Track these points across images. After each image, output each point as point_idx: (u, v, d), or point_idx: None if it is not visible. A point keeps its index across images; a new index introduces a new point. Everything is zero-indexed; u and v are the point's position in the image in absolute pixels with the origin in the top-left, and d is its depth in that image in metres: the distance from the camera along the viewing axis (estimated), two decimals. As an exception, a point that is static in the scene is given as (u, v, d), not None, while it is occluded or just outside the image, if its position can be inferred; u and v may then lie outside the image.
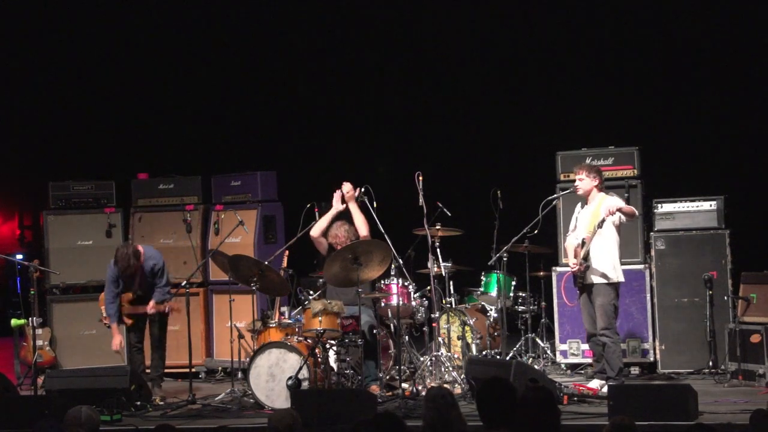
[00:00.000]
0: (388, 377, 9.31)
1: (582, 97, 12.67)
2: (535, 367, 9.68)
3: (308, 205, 9.79)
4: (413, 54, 13.72)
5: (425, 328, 9.71)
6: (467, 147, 13.41)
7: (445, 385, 8.73)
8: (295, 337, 8.92)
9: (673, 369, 9.96)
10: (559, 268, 10.34)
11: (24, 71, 14.47)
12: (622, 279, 9.04)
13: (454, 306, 10.19)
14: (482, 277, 10.64)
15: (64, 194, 11.39)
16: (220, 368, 10.99)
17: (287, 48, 14.02)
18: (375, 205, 9.37)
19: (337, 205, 9.47)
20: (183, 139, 13.92)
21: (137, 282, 9.45)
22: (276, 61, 14.09)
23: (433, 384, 9.00)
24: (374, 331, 9.16)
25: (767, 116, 11.94)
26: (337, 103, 13.96)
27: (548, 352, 10.52)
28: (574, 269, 9.03)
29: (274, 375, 8.67)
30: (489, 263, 10.08)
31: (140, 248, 9.44)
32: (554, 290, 10.40)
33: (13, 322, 10.76)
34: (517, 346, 10.45)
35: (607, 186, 9.31)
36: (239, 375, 9.42)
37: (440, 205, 9.75)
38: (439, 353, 9.34)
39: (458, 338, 9.95)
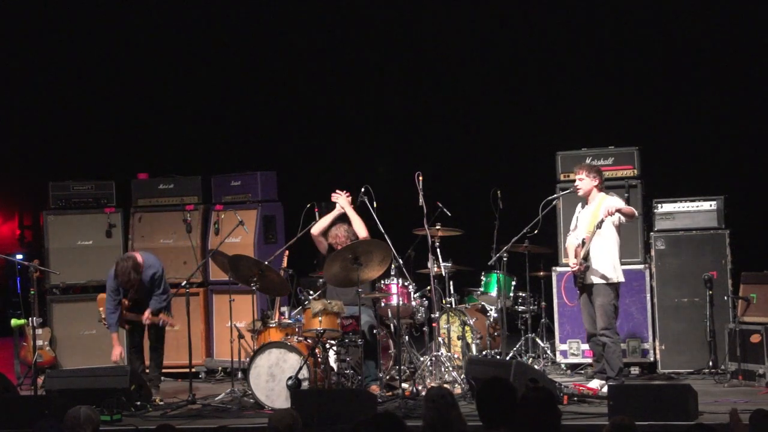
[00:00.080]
0: (388, 377, 9.31)
1: (582, 97, 12.67)
2: (535, 367, 9.68)
3: (308, 205, 9.79)
4: (413, 54, 13.72)
5: (425, 328, 9.71)
6: (467, 147, 13.41)
7: (445, 385, 8.73)
8: (295, 337, 8.92)
9: (673, 369, 9.96)
10: (559, 268, 10.34)
11: (24, 71, 14.47)
12: (622, 279, 9.04)
13: (454, 306, 10.19)
14: (482, 277, 10.64)
15: (64, 194, 11.39)
16: (220, 368, 10.99)
17: (287, 48, 14.02)
18: (375, 205, 9.37)
19: (339, 208, 9.48)
20: (183, 139, 13.92)
21: (135, 290, 9.46)
22: (276, 61, 14.09)
23: (433, 384, 9.00)
24: (374, 331, 9.16)
25: (767, 116, 11.94)
26: (337, 103, 13.96)
27: (548, 352, 10.52)
28: (574, 269, 9.03)
29: (274, 375, 8.67)
30: (489, 263, 10.08)
31: (140, 259, 9.42)
32: (554, 290, 10.40)
33: (13, 322, 10.76)
34: (517, 346, 10.45)
35: (607, 186, 9.31)
36: (239, 375, 9.42)
37: (440, 205, 9.75)
38: (439, 353, 9.34)
39: (458, 338, 9.95)
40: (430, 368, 9.27)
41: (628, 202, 9.59)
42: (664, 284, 10.09)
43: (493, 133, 13.14)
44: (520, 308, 10.55)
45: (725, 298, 9.77)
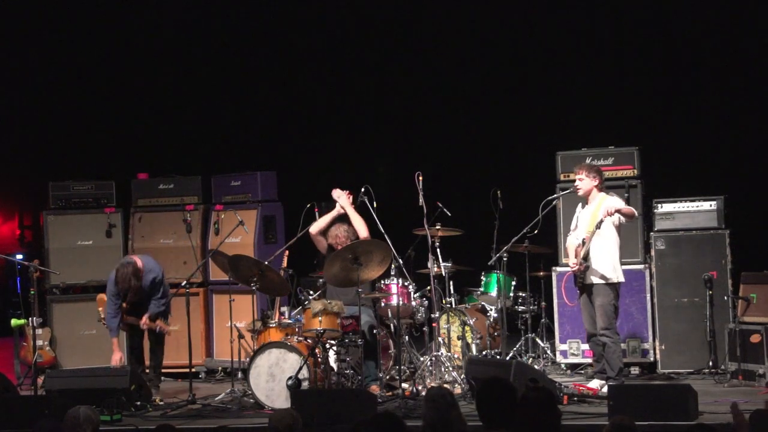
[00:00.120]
0: (388, 377, 9.31)
1: (582, 97, 12.67)
2: (535, 367, 9.68)
3: (308, 205, 9.79)
4: (413, 54, 13.72)
5: (425, 328, 9.71)
6: (467, 147, 13.41)
7: (445, 385, 8.73)
8: (295, 337, 8.92)
9: (673, 369, 9.96)
10: (559, 268, 10.34)
11: (24, 71, 14.47)
12: (622, 279, 9.04)
13: (454, 306, 10.19)
14: (482, 277, 10.64)
15: (64, 194, 11.39)
16: (220, 368, 10.99)
17: (287, 48, 14.02)
18: (375, 205, 9.37)
19: (338, 208, 9.48)
20: (183, 139, 13.91)
21: (135, 293, 9.47)
22: (276, 61, 14.09)
23: (433, 384, 8.99)
24: (374, 331, 9.16)
25: (767, 116, 11.94)
26: (337, 103, 13.96)
27: (548, 352, 10.52)
28: (574, 269, 9.03)
29: (274, 375, 8.66)
30: (489, 263, 10.08)
31: (140, 264, 9.41)
32: (554, 290, 10.40)
33: (13, 322, 10.76)
34: (517, 346, 10.45)
35: (607, 186, 9.31)
36: (239, 375, 9.42)
37: (440, 205, 9.75)
38: (439, 353, 9.34)
39: (458, 338, 9.95)
40: (430, 368, 9.27)
41: (628, 202, 9.59)
42: (664, 284, 10.09)
43: (493, 133, 13.14)
44: (520, 308, 10.55)
45: (725, 298, 9.77)
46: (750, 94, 12.12)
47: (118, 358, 9.48)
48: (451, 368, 9.25)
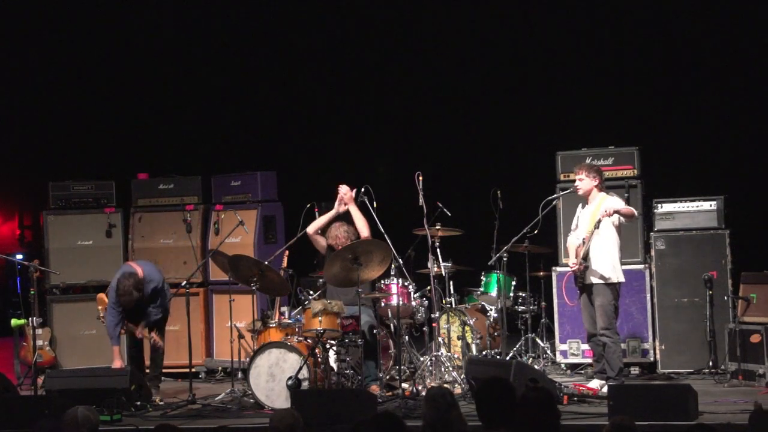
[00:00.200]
0: (388, 377, 9.31)
1: (582, 97, 12.67)
2: (535, 367, 9.68)
3: (308, 205, 9.79)
4: (413, 54, 13.72)
5: (425, 328, 9.71)
6: (467, 147, 13.41)
7: (445, 385, 8.73)
8: (295, 337, 8.92)
9: (673, 369, 9.96)
10: (559, 268, 10.34)
11: (24, 71, 14.47)
12: (622, 279, 9.04)
13: (454, 306, 10.19)
14: (482, 277, 10.64)
15: (64, 194, 11.39)
16: (220, 368, 10.99)
17: (287, 48, 14.02)
18: (375, 205, 9.37)
19: (338, 208, 9.47)
20: (183, 139, 13.92)
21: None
22: (276, 61, 14.09)
23: (433, 384, 8.99)
24: (374, 331, 9.16)
25: (767, 116, 11.94)
26: (337, 103, 13.96)
27: (548, 352, 10.52)
28: (574, 269, 9.03)
29: (274, 375, 8.66)
30: (489, 263, 10.08)
31: (141, 273, 9.39)
32: (554, 290, 10.40)
33: (13, 322, 10.76)
34: (517, 346, 10.45)
35: (607, 186, 9.31)
36: (239, 375, 9.42)
37: (440, 205, 9.75)
38: (439, 353, 9.33)
39: (458, 338, 9.95)
40: (430, 368, 9.27)
41: (628, 202, 9.59)
42: (664, 284, 10.09)
43: (493, 133, 13.14)
44: (520, 308, 10.55)
45: (725, 298, 9.77)
46: (750, 94, 12.12)
47: (118, 366, 9.47)
48: (451, 368, 9.25)
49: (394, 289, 9.41)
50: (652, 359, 10.06)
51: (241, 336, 9.59)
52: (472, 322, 10.02)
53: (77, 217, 11.37)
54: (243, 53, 14.13)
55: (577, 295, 9.29)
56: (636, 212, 9.20)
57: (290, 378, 8.53)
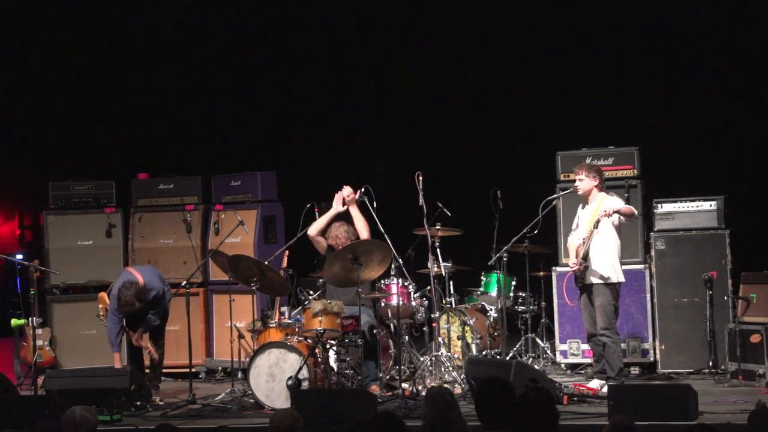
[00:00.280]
0: (388, 377, 9.31)
1: (582, 97, 12.67)
2: (535, 367, 9.68)
3: (308, 205, 9.79)
4: (413, 54, 13.72)
5: (425, 328, 9.71)
6: (467, 147, 13.40)
7: (445, 385, 8.73)
8: (295, 337, 8.92)
9: (673, 369, 9.96)
10: (559, 268, 10.35)
11: (24, 71, 14.47)
12: (622, 279, 9.03)
13: (454, 306, 10.19)
14: (482, 277, 10.64)
15: (64, 194, 11.39)
16: (220, 368, 10.99)
17: (287, 48, 14.02)
18: (375, 205, 9.37)
19: (337, 207, 9.47)
20: (183, 139, 13.91)
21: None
22: (276, 61, 14.09)
23: (433, 384, 8.99)
24: (374, 331, 9.16)
25: (767, 116, 11.94)
26: (337, 103, 13.95)
27: (548, 352, 10.52)
28: (574, 269, 9.03)
29: (274, 375, 8.66)
30: (489, 263, 10.08)
31: (142, 282, 9.40)
32: (554, 290, 10.41)
33: (13, 322, 10.76)
34: (517, 346, 10.45)
35: (607, 186, 9.31)
36: (239, 375, 9.42)
37: (440, 205, 9.75)
38: (439, 353, 9.34)
39: (458, 338, 9.95)
40: (430, 368, 9.27)
41: (628, 202, 9.58)
42: (664, 284, 10.09)
43: (493, 133, 13.14)
44: (520, 308, 10.55)
45: (725, 298, 9.77)
46: (750, 94, 12.12)
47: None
48: (451, 368, 9.25)
49: (394, 289, 9.41)
50: (652, 359, 10.06)
51: (241, 336, 9.59)
52: (472, 322, 10.02)
53: (77, 217, 11.37)
54: (243, 53, 14.13)
55: (577, 295, 9.29)
56: (636, 211, 9.20)
57: (290, 378, 8.53)
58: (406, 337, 9.54)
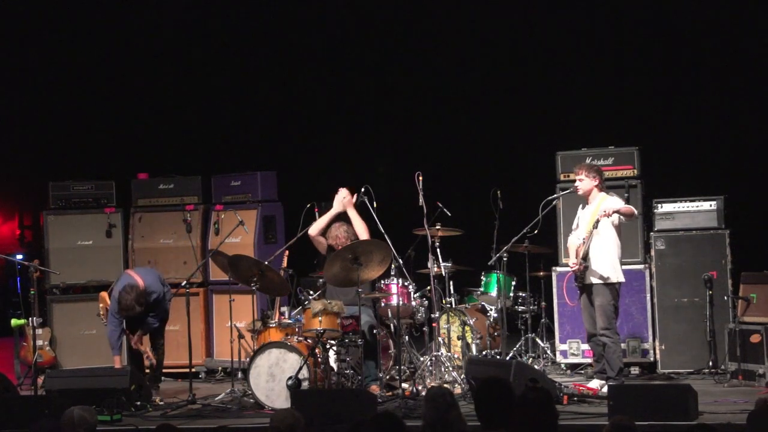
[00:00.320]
0: (388, 377, 9.31)
1: (582, 97, 12.67)
2: (535, 367, 9.68)
3: (308, 205, 9.79)
4: (413, 54, 13.72)
5: (425, 328, 9.71)
6: (467, 147, 13.40)
7: (445, 385, 8.73)
8: (295, 337, 8.92)
9: (673, 369, 9.96)
10: (559, 268, 10.35)
11: (24, 71, 14.47)
12: (622, 279, 9.03)
13: (454, 306, 10.19)
14: (482, 277, 10.64)
15: (64, 194, 11.39)
16: (220, 368, 10.99)
17: (287, 48, 14.02)
18: (375, 205, 9.37)
19: (337, 207, 9.47)
20: (183, 139, 13.91)
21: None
22: (276, 61, 14.09)
23: (433, 384, 9.00)
24: (374, 331, 9.16)
25: (767, 116, 11.94)
26: (337, 103, 13.95)
27: (548, 352, 10.52)
28: (574, 269, 9.03)
29: (274, 375, 8.66)
30: (489, 263, 10.08)
31: (142, 285, 9.39)
32: (554, 290, 10.41)
33: (13, 322, 10.76)
34: (517, 346, 10.45)
35: (607, 186, 9.31)
36: (239, 375, 9.42)
37: (440, 205, 9.75)
38: (439, 353, 9.34)
39: (458, 338, 9.95)
40: (430, 368, 9.27)
41: (628, 201, 9.58)
42: (664, 284, 10.09)
43: (493, 133, 13.14)
44: (520, 308, 10.55)
45: (725, 298, 9.77)
46: (750, 94, 12.12)
47: None
48: (451, 368, 9.25)
49: (394, 289, 9.41)
50: (652, 359, 10.06)
51: (241, 336, 9.59)
52: (472, 322, 10.02)
53: (77, 217, 11.37)
54: (243, 53, 14.12)
55: (577, 295, 9.29)
56: (636, 211, 9.20)
57: (290, 378, 8.53)
58: (406, 337, 9.54)
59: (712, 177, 11.32)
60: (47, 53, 14.32)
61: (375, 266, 8.90)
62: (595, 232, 8.88)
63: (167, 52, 14.07)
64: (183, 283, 9.43)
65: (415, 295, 9.57)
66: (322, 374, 8.76)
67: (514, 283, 10.55)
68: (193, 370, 9.86)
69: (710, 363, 9.62)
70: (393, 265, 9.38)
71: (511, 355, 10.20)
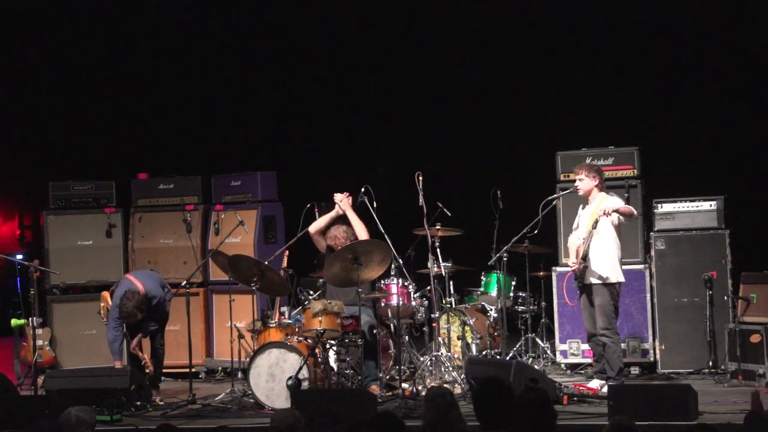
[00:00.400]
0: (388, 377, 9.31)
1: (582, 97, 12.67)
2: (535, 367, 9.68)
3: (308, 205, 9.80)
4: (413, 54, 13.72)
5: (425, 328, 9.71)
6: (467, 147, 13.40)
7: (445, 385, 8.73)
8: (295, 337, 8.92)
9: (673, 369, 9.96)
10: (559, 268, 10.35)
11: (24, 71, 14.47)
12: (621, 279, 9.03)
13: (454, 306, 10.19)
14: (482, 277, 10.64)
15: (64, 194, 11.39)
16: (220, 368, 10.99)
17: (287, 48, 14.02)
18: (375, 205, 9.37)
19: (337, 209, 9.47)
20: (183, 139, 13.91)
21: None
22: (276, 60, 14.09)
23: (433, 384, 9.00)
24: (374, 331, 9.16)
25: (767, 116, 11.94)
26: (337, 103, 13.95)
27: (548, 352, 10.52)
28: (574, 269, 9.04)
29: (274, 375, 8.66)
30: (489, 263, 10.07)
31: (142, 290, 9.38)
32: (554, 290, 10.41)
33: (13, 322, 10.76)
34: (517, 346, 10.45)
35: (607, 186, 9.31)
36: (239, 375, 9.42)
37: (440, 205, 9.75)
38: (439, 353, 9.34)
39: (458, 338, 9.95)
40: (430, 368, 9.27)
41: (628, 202, 9.58)
42: (664, 284, 10.09)
43: (493, 133, 13.14)
44: (520, 308, 10.55)
45: (725, 298, 9.77)
46: (750, 94, 12.12)
47: None
48: (451, 368, 9.25)
49: (394, 289, 9.41)
50: (652, 359, 10.06)
51: (241, 336, 9.59)
52: (472, 322, 10.02)
53: (77, 217, 11.37)
54: (243, 53, 14.12)
55: (577, 295, 9.29)
56: (635, 211, 9.19)
57: (290, 378, 8.53)
58: (406, 337, 9.54)
59: (712, 177, 11.32)
60: (47, 53, 14.32)
61: (375, 266, 8.90)
62: (595, 232, 8.88)
63: (167, 52, 14.07)
64: (183, 283, 9.43)
65: (415, 295, 9.57)
66: (322, 374, 8.76)
67: (514, 283, 10.55)
68: (193, 370, 9.86)
69: (710, 363, 9.62)
70: (393, 265, 9.38)
71: (511, 355, 10.20)
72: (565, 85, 12.91)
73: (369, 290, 9.32)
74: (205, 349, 11.11)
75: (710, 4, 12.21)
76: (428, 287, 9.66)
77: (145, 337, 9.66)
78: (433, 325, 9.60)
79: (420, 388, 8.91)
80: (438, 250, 9.93)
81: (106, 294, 9.79)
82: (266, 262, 9.21)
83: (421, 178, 9.37)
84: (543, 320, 10.72)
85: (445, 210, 9.78)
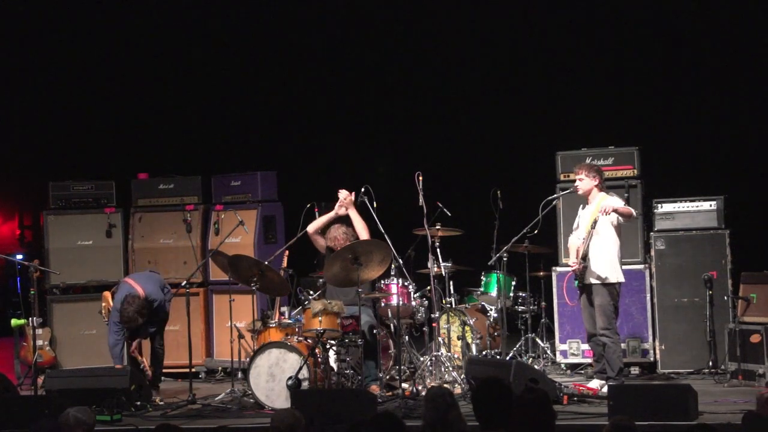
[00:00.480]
0: (388, 377, 9.31)
1: (582, 97, 12.68)
2: (535, 367, 9.68)
3: (308, 205, 9.80)
4: (413, 54, 13.72)
5: (425, 328, 9.71)
6: (467, 147, 13.40)
7: (445, 385, 8.73)
8: (295, 337, 8.92)
9: (673, 369, 9.96)
10: (559, 268, 10.35)
11: (24, 71, 14.47)
12: (621, 279, 9.03)
13: (454, 306, 10.19)
14: (482, 277, 10.64)
15: (64, 194, 11.39)
16: (220, 368, 10.99)
17: (287, 48, 14.02)
18: (375, 205, 9.37)
19: (338, 210, 9.47)
20: (183, 139, 13.91)
21: None
22: (276, 60, 14.09)
23: (433, 384, 9.00)
24: (374, 331, 9.16)
25: (767, 116, 11.94)
26: (337, 103, 13.95)
27: (548, 352, 10.52)
28: (574, 269, 9.04)
29: (274, 375, 8.67)
30: (489, 263, 10.08)
31: (142, 294, 9.37)
32: (554, 290, 10.41)
33: (13, 322, 10.76)
34: (517, 346, 10.45)
35: (607, 186, 9.31)
36: (239, 375, 9.42)
37: (440, 205, 9.75)
38: (439, 353, 9.34)
39: (458, 338, 9.95)
40: (430, 368, 9.27)
41: (628, 202, 9.58)
42: (664, 284, 10.09)
43: (493, 133, 13.14)
44: (520, 308, 10.55)
45: (725, 298, 9.77)
46: (750, 94, 12.12)
47: None
48: (451, 368, 9.25)
49: (394, 289, 9.41)
50: (652, 359, 10.06)
51: (241, 336, 9.59)
52: (472, 322, 10.02)
53: (77, 217, 11.37)
54: (243, 53, 14.12)
55: (577, 295, 9.29)
56: (635, 212, 9.19)
57: (290, 378, 8.53)
58: (406, 337, 9.54)
59: (712, 177, 11.32)
60: (47, 53, 14.31)
61: (375, 266, 8.90)
62: (594, 232, 8.88)
63: (167, 52, 14.06)
64: (183, 283, 9.43)
65: (415, 295, 9.57)
66: (322, 374, 8.76)
67: (514, 283, 10.56)
68: (193, 370, 9.86)
69: (710, 363, 9.62)
70: (393, 265, 9.38)
71: (511, 355, 10.20)
72: (565, 85, 12.91)
73: (369, 290, 9.32)
74: (205, 349, 11.11)
75: (710, 4, 12.21)
76: (428, 287, 9.66)
77: (144, 339, 9.66)
78: (433, 325, 9.60)
79: (420, 388, 8.91)
80: (438, 250, 9.93)
81: (107, 294, 9.79)
82: (266, 262, 9.21)
83: (421, 178, 9.37)
84: (543, 320, 10.72)
85: (445, 210, 9.78)
